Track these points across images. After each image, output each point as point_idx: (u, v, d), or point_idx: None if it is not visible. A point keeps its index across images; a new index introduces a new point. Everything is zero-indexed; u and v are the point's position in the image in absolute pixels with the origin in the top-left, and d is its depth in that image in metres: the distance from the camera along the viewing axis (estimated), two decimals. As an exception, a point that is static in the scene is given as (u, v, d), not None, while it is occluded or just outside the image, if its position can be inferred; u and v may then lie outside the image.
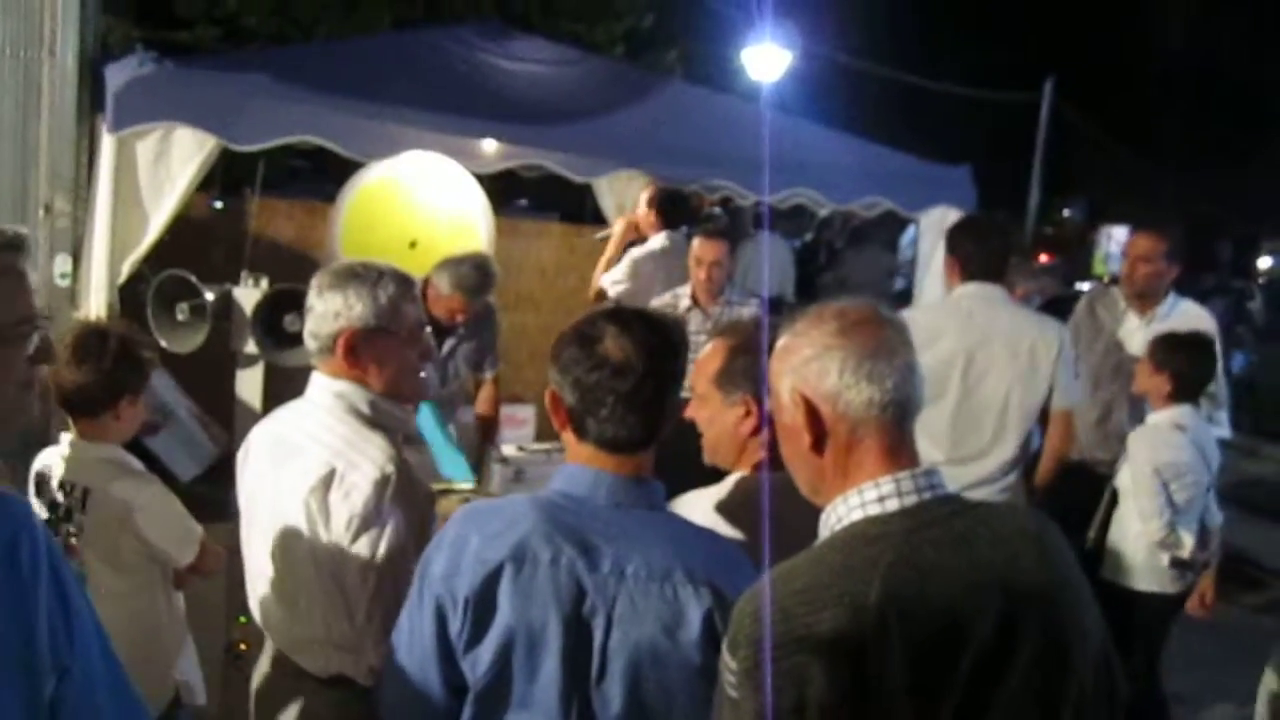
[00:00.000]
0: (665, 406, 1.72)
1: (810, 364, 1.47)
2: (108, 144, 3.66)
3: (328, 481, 2.05)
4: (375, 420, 2.15)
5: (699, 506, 2.05)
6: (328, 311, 2.16)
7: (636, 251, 5.29)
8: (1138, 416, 3.88)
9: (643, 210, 5.43)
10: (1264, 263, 21.94)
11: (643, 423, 1.68)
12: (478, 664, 1.63)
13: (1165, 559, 3.53)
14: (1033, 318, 3.67)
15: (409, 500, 2.07)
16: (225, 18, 10.23)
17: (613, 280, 5.22)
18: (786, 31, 10.97)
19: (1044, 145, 11.83)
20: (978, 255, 3.54)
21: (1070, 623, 1.41)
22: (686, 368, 1.83)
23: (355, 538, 2.02)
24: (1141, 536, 3.56)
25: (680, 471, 2.01)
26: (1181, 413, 3.61)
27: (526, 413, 5.29)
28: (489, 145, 4.61)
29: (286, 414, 2.24)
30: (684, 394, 1.83)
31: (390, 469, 2.05)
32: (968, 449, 3.51)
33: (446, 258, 4.14)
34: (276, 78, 3.98)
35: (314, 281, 2.20)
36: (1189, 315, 4.15)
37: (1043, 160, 11.85)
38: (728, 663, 1.37)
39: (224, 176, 6.47)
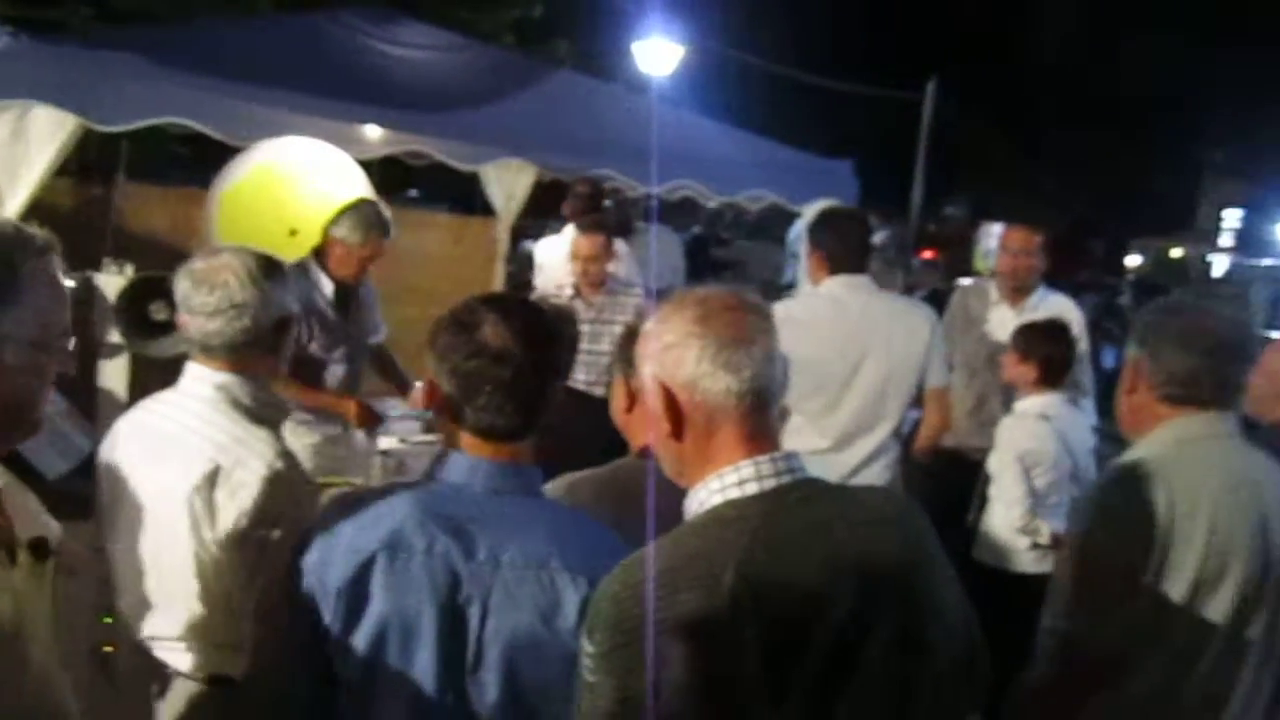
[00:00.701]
0: (545, 395, 1.68)
1: (669, 351, 1.46)
2: (-39, 121, 3.49)
3: (212, 479, 1.98)
4: (259, 414, 2.09)
5: (583, 490, 2.05)
6: (270, 297, 2.10)
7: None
8: (1010, 404, 4.01)
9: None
10: (1132, 260, 22.96)
11: (521, 411, 1.65)
12: (350, 655, 1.58)
13: (1025, 543, 3.65)
14: (902, 303, 3.75)
15: (298, 497, 2.02)
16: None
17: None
18: (678, 25, 11.04)
19: (926, 143, 12.17)
20: (841, 249, 3.57)
21: (926, 605, 1.42)
22: (573, 357, 1.83)
23: (243, 538, 1.96)
24: (1005, 520, 3.69)
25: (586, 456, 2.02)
26: (1048, 402, 3.72)
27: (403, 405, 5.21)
28: (371, 131, 4.53)
29: (159, 405, 2.14)
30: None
31: (280, 465, 2.00)
32: (849, 434, 3.57)
33: (339, 212, 3.95)
34: (146, 57, 3.84)
35: (237, 262, 2.11)
36: (1057, 306, 4.31)
37: (926, 158, 12.19)
38: (585, 647, 1.35)
39: (96, 161, 6.22)
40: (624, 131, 4.96)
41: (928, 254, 14.32)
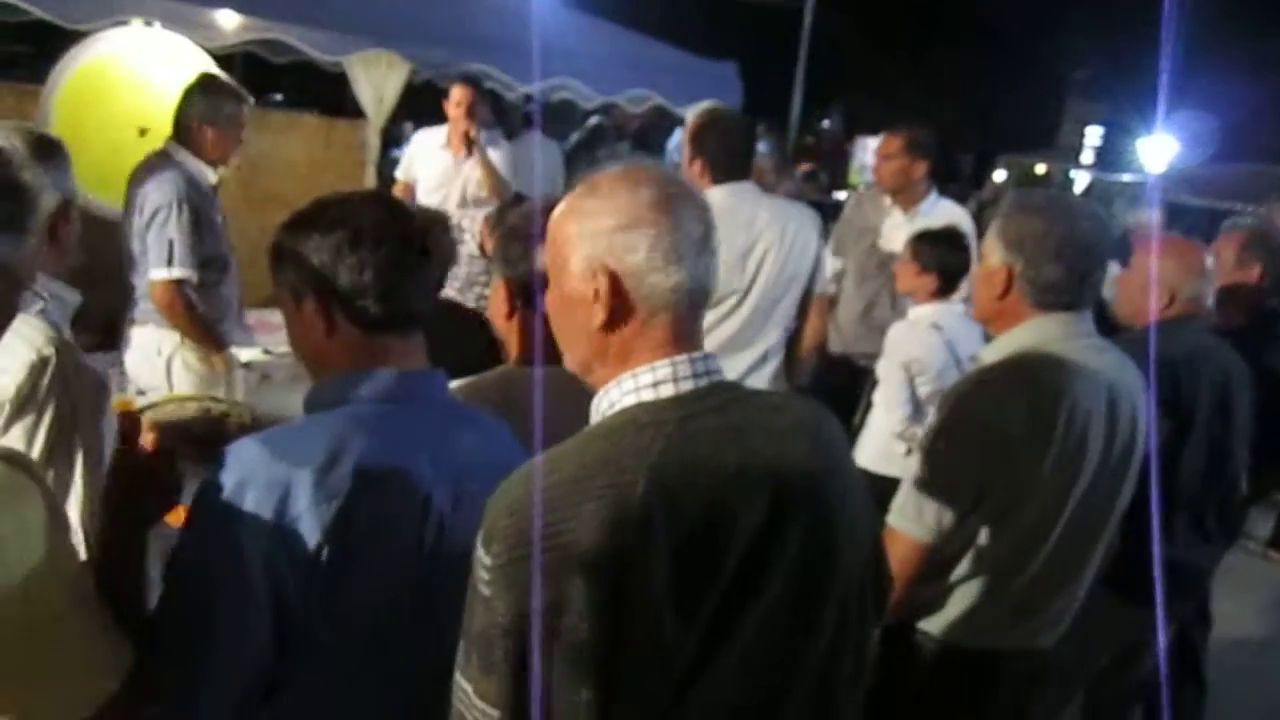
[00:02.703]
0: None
1: (616, 234, 1.32)
2: None
3: None
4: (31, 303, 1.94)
5: (464, 399, 1.93)
6: (38, 186, 1.88)
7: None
8: (899, 310, 4.03)
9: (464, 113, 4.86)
10: (998, 176, 23.57)
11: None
12: (332, 607, 1.43)
13: (902, 448, 3.69)
14: (792, 208, 3.69)
15: (73, 387, 1.90)
16: None
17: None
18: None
19: (806, 54, 12.09)
20: (725, 155, 3.48)
21: (837, 515, 1.38)
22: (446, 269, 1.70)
23: (5, 427, 1.85)
24: (884, 425, 3.71)
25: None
26: (941, 310, 3.73)
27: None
28: (225, 17, 4.19)
29: None
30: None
31: (49, 351, 1.89)
32: (743, 339, 3.53)
33: (191, 93, 3.63)
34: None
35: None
36: (948, 213, 4.34)
37: (805, 69, 12.13)
38: (481, 558, 1.24)
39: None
40: (500, 25, 4.71)
41: (805, 167, 14.39)
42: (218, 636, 1.39)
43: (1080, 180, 25.23)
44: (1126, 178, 19.92)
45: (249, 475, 1.39)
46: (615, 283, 1.32)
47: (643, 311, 1.33)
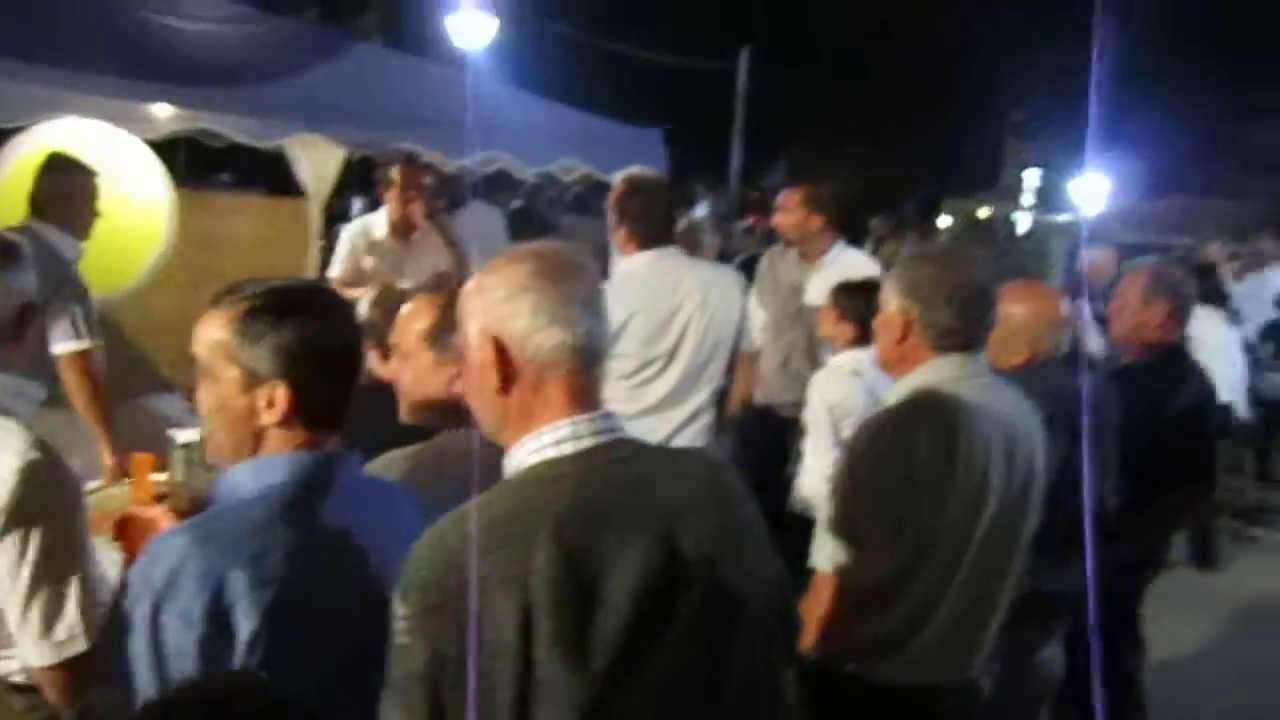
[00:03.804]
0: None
1: (503, 304, 1.44)
2: None
3: None
4: (5, 405, 1.96)
5: (396, 468, 2.02)
6: (10, 290, 1.97)
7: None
8: (816, 360, 4.17)
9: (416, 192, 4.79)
10: (944, 221, 24.01)
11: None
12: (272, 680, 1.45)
13: (832, 491, 3.79)
14: (713, 270, 3.84)
15: (60, 487, 1.90)
16: None
17: None
18: (492, -2, 10.84)
19: (743, 112, 12.42)
20: (646, 221, 3.61)
21: (737, 563, 1.46)
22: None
23: (2, 535, 1.83)
24: (815, 469, 3.82)
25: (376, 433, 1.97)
26: (859, 357, 3.86)
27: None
28: (160, 109, 4.31)
29: None
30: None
31: (35, 455, 1.88)
32: (671, 399, 3.64)
33: (44, 171, 3.78)
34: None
35: None
36: (852, 262, 4.49)
37: (743, 127, 12.45)
38: (398, 610, 1.34)
39: None
40: (432, 105, 4.87)
41: (752, 220, 14.64)
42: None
43: (1022, 221, 25.75)
44: (1064, 218, 20.40)
45: (179, 567, 1.43)
46: (501, 348, 1.43)
47: (530, 373, 1.44)
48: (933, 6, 23.81)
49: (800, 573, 2.30)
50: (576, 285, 1.47)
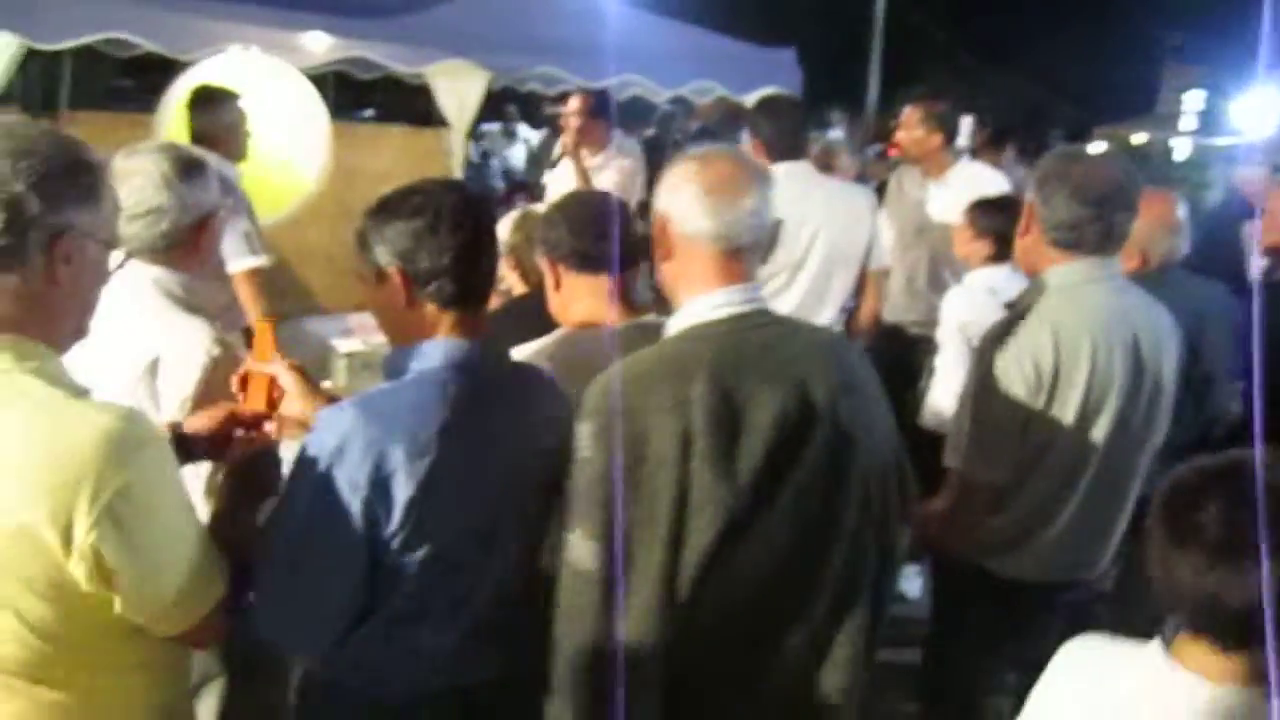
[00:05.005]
0: None
1: (670, 192, 1.78)
2: (-103, 44, 3.48)
3: (154, 369, 2.07)
4: (191, 304, 2.18)
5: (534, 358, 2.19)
6: (187, 202, 2.16)
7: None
8: (937, 277, 4.16)
9: (579, 123, 4.98)
10: (1096, 148, 23.03)
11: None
12: (419, 544, 1.66)
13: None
14: (845, 188, 3.86)
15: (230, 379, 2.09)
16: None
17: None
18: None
19: (881, 36, 12.12)
20: (778, 136, 3.68)
21: (855, 418, 1.75)
22: None
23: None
24: (948, 387, 3.83)
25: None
26: (996, 274, 3.83)
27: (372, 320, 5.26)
28: (313, 39, 4.53)
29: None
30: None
31: (216, 351, 2.10)
32: (802, 313, 3.70)
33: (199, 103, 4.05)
34: (80, -27, 3.80)
35: (148, 168, 2.15)
36: (978, 176, 4.43)
37: (880, 51, 12.16)
38: (580, 431, 1.68)
39: (39, 91, 6.15)
40: (566, 28, 4.96)
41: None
42: (311, 573, 1.64)
43: (1180, 148, 24.47)
44: (1226, 141, 19.28)
45: (348, 438, 1.61)
46: (666, 227, 1.79)
47: (687, 249, 1.77)
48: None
49: (934, 486, 2.38)
50: (730, 183, 1.76)
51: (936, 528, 2.37)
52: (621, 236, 2.25)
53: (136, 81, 9.87)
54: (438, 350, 1.72)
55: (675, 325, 1.80)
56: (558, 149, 5.20)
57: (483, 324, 1.80)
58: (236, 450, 1.82)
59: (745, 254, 1.78)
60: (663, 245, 1.81)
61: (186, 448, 1.78)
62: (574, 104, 4.89)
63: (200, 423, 1.87)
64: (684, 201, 1.75)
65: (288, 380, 1.92)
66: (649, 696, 1.68)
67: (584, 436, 1.67)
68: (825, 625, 1.77)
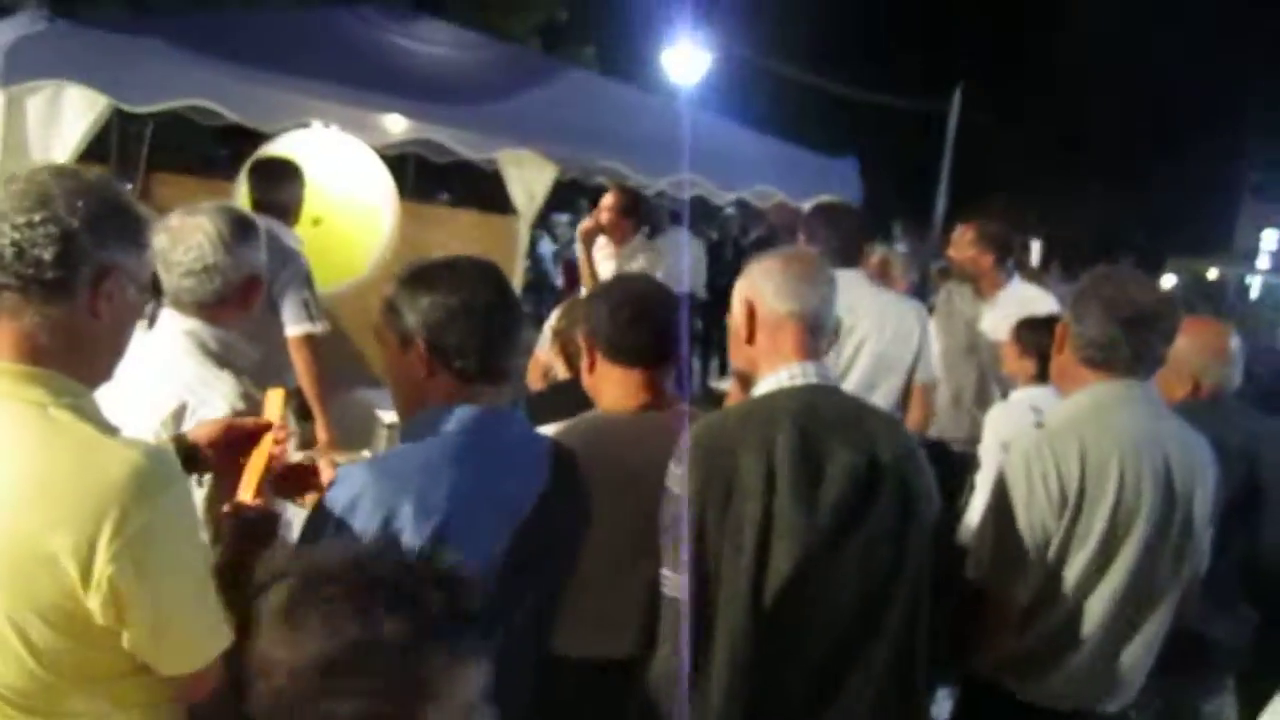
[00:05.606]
0: None
1: (757, 280, 2.05)
2: (-1, 99, 3.66)
3: (179, 416, 2.12)
4: (225, 359, 2.24)
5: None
6: (239, 261, 2.25)
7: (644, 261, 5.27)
8: (985, 396, 4.12)
9: (609, 218, 5.20)
10: (1167, 281, 22.77)
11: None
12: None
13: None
14: (896, 299, 3.86)
15: None
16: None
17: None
18: (706, 32, 11.16)
19: (952, 153, 12.23)
20: (834, 242, 3.71)
21: (913, 484, 1.97)
22: None
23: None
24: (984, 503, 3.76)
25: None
26: (1041, 393, 3.79)
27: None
28: (392, 121, 4.69)
29: (132, 350, 2.29)
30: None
31: (241, 406, 2.14)
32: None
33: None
34: (174, 42, 3.98)
35: (210, 225, 2.24)
36: (1027, 297, 4.42)
37: (950, 168, 12.25)
38: (672, 470, 1.91)
39: (124, 150, 6.41)
40: (637, 128, 5.08)
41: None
42: None
43: (1255, 286, 24.13)
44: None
45: (359, 495, 1.65)
46: (751, 308, 2.05)
47: (769, 327, 2.03)
48: (1166, 62, 22.69)
49: (969, 601, 2.34)
50: (807, 272, 2.05)
51: (961, 643, 2.34)
52: (663, 328, 2.29)
53: (228, 150, 10.29)
54: (454, 416, 1.75)
55: (760, 391, 2.02)
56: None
57: (501, 395, 1.83)
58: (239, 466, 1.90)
59: (820, 336, 2.03)
60: (746, 328, 2.05)
61: (191, 459, 1.83)
62: (608, 199, 5.10)
63: (203, 432, 1.92)
64: (771, 286, 2.02)
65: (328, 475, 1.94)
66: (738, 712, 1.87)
67: (673, 475, 1.90)
68: (884, 668, 1.95)
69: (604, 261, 5.18)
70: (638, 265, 5.06)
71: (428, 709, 1.14)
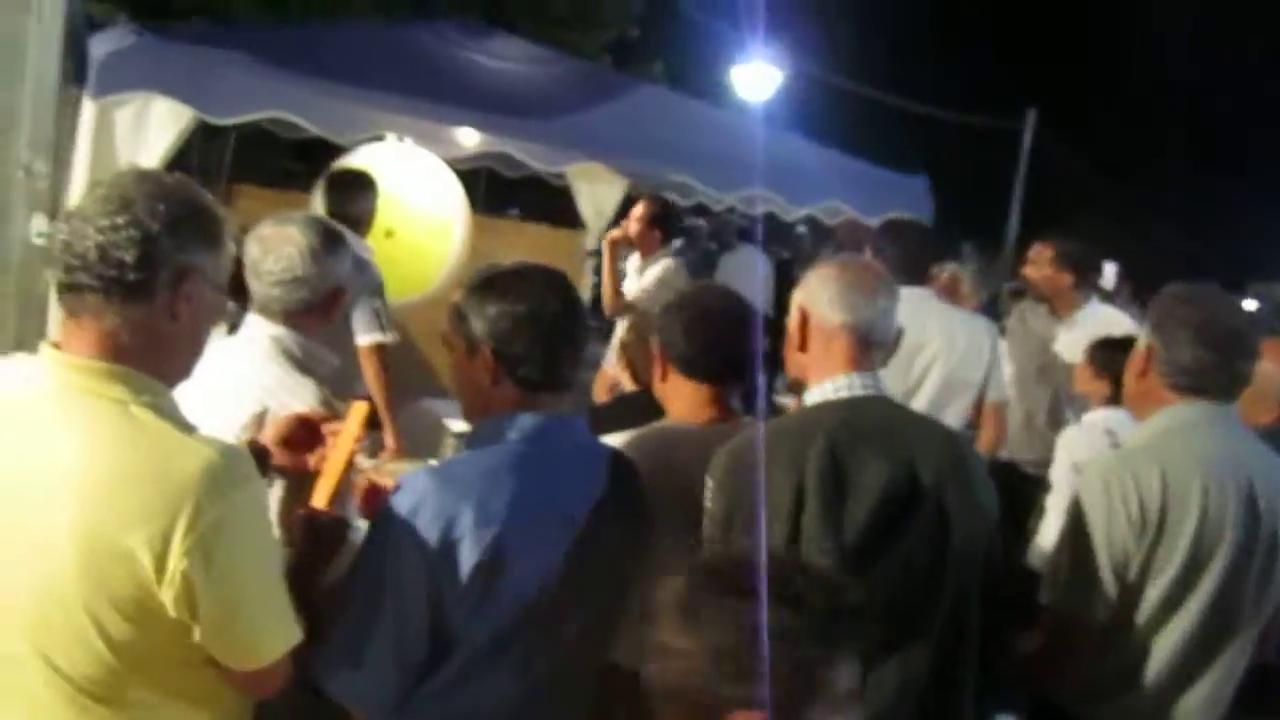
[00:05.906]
0: None
1: (813, 289, 2.04)
2: (88, 110, 3.78)
3: (260, 419, 2.16)
4: (306, 365, 2.29)
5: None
6: (327, 272, 2.31)
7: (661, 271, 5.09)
8: (1058, 417, 4.04)
9: (637, 228, 5.08)
10: (1248, 304, 22.13)
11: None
12: (481, 611, 1.69)
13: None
14: (964, 317, 3.81)
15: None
16: (215, 8, 10.42)
17: (643, 288, 4.99)
18: (775, 49, 11.15)
19: (1025, 175, 12.02)
20: (901, 259, 3.66)
21: (962, 498, 1.92)
22: None
23: (284, 475, 2.11)
24: (1055, 526, 3.68)
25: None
26: (1115, 416, 3.71)
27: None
28: (465, 135, 4.76)
29: (217, 355, 2.33)
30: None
31: (322, 412, 2.16)
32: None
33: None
34: (256, 56, 4.09)
35: (301, 237, 2.30)
36: (1105, 319, 4.33)
37: (1024, 189, 12.05)
38: (707, 484, 1.91)
39: (208, 162, 6.60)
40: (706, 143, 5.09)
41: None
42: (379, 631, 1.66)
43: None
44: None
45: (421, 502, 1.67)
46: (805, 316, 2.04)
47: (821, 336, 2.01)
48: (1242, 83, 22.15)
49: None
50: (864, 283, 2.02)
51: (1031, 668, 2.28)
52: (735, 347, 2.28)
53: (306, 164, 10.52)
54: (517, 424, 1.76)
55: (807, 401, 2.01)
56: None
57: (563, 404, 1.84)
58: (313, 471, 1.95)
59: (874, 348, 2.01)
60: (800, 335, 2.04)
61: (262, 462, 1.86)
62: (638, 209, 5.00)
63: (271, 431, 1.97)
64: (825, 296, 2.00)
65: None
66: None
67: (709, 489, 1.91)
68: (921, 688, 1.90)
69: (631, 274, 5.09)
70: (655, 276, 4.91)
71: (813, 696, 1.23)
